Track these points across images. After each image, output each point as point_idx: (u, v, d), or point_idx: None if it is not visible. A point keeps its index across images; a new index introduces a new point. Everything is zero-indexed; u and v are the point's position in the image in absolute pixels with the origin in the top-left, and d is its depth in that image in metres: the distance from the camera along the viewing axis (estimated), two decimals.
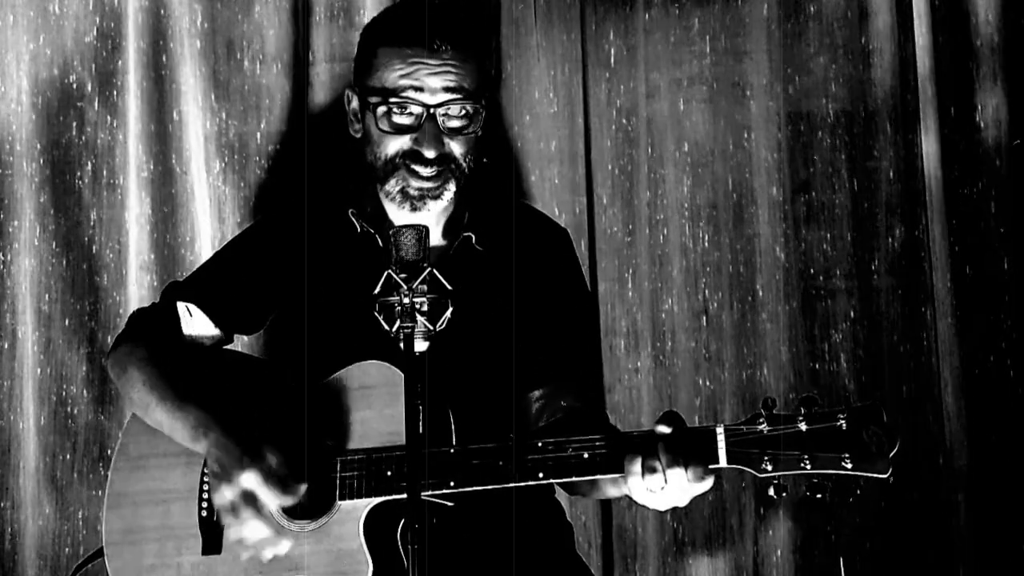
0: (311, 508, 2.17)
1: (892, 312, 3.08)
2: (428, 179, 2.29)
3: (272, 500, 2.12)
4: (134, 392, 2.33)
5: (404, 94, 2.26)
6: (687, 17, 3.10)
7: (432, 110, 2.26)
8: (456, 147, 2.30)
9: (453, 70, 2.26)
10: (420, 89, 2.26)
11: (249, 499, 2.11)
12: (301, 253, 2.42)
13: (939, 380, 3.05)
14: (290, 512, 2.18)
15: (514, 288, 2.38)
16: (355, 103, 2.38)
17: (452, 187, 2.32)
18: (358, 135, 2.39)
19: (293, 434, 2.20)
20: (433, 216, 2.36)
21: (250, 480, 2.11)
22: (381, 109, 2.29)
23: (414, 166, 2.29)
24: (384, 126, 2.29)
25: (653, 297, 3.09)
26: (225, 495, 2.12)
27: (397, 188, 2.31)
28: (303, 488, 2.14)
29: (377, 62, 2.31)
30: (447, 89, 2.26)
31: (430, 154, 2.27)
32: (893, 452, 1.96)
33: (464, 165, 2.32)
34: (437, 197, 2.31)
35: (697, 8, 3.10)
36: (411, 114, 2.28)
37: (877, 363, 3.07)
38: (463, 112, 2.29)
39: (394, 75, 2.27)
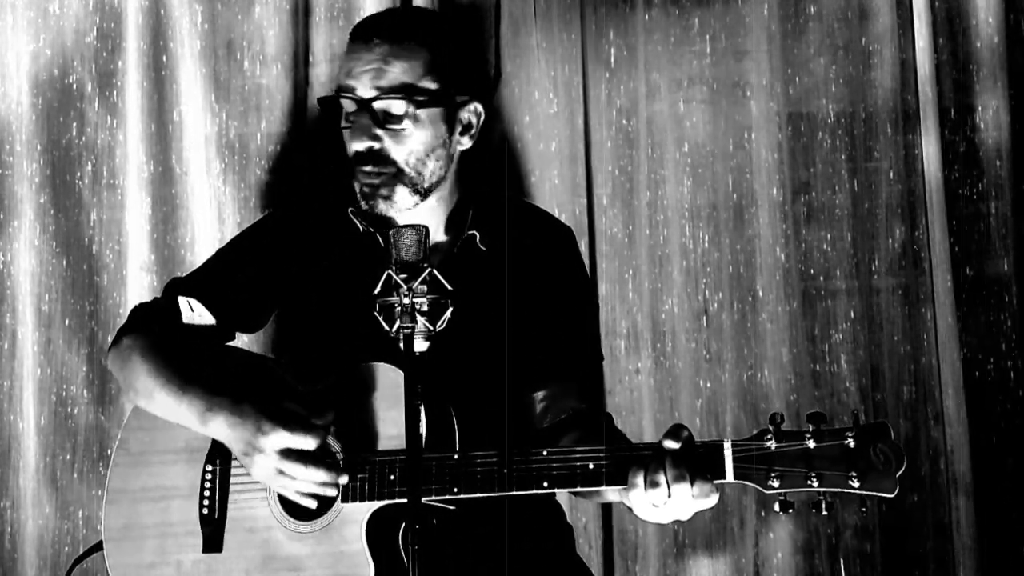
0: (314, 509, 2.17)
1: (892, 312, 3.08)
2: (369, 175, 2.26)
3: (307, 444, 2.11)
4: (137, 381, 2.32)
5: (345, 90, 2.26)
6: (687, 17, 3.10)
7: (366, 104, 2.23)
8: (394, 147, 2.24)
9: (385, 65, 2.23)
10: (354, 85, 2.25)
11: (288, 455, 2.11)
12: (303, 251, 2.41)
13: (939, 381, 3.05)
14: (293, 513, 2.18)
15: (508, 289, 2.37)
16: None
17: (403, 191, 2.26)
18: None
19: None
20: (431, 211, 2.35)
21: (278, 439, 2.11)
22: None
23: (358, 164, 2.27)
24: (341, 122, 2.30)
25: (653, 298, 3.09)
26: (264, 465, 2.12)
27: (358, 188, 2.30)
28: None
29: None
30: (377, 87, 2.23)
31: (358, 146, 2.24)
32: (900, 471, 1.95)
33: (409, 170, 2.26)
34: (387, 198, 2.26)
35: (697, 8, 3.10)
36: (350, 108, 2.27)
37: (877, 363, 3.07)
38: (397, 109, 2.23)
39: (342, 71, 2.28)
